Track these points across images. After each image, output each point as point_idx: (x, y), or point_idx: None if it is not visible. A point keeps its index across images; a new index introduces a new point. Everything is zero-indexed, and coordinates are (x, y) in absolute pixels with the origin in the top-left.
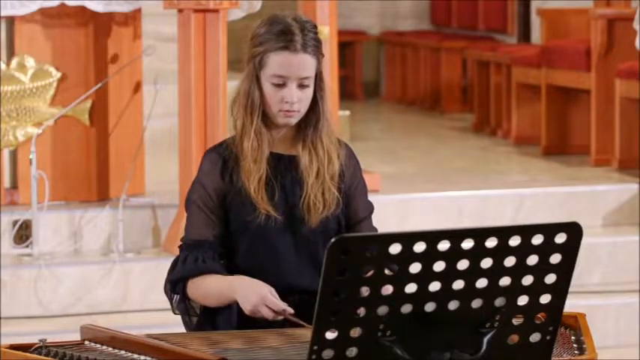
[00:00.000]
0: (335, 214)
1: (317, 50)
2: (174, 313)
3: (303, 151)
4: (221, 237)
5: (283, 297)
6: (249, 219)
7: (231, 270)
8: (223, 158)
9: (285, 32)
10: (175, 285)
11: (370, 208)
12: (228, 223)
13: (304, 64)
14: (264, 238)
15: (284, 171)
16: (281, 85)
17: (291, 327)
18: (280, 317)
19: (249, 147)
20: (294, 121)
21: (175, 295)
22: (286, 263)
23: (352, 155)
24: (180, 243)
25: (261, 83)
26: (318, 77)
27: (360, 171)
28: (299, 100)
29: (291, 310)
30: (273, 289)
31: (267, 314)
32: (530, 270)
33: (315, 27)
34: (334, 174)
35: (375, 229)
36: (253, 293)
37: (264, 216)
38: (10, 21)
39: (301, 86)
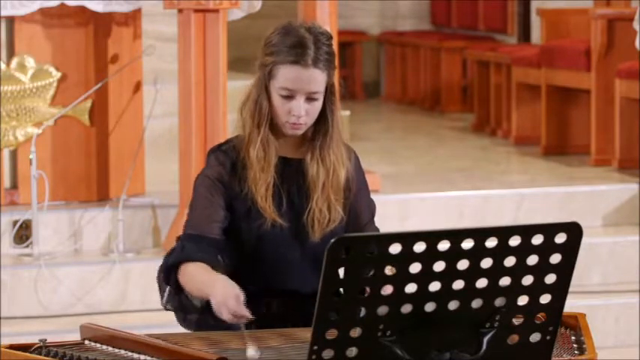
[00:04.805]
0: (340, 226)
1: (329, 64)
2: (165, 308)
3: (311, 161)
4: (223, 233)
5: (286, 302)
6: (256, 225)
7: (234, 272)
8: (231, 160)
9: (298, 45)
10: (169, 272)
11: (373, 210)
12: (239, 232)
13: (313, 79)
14: (269, 244)
15: (291, 177)
16: (289, 98)
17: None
18: (242, 321)
19: (254, 156)
20: (300, 132)
21: (167, 288)
22: (291, 270)
23: (357, 163)
24: (181, 234)
25: (270, 93)
26: (329, 90)
27: (363, 175)
28: (306, 114)
29: (249, 317)
30: (242, 295)
31: (226, 316)
32: (530, 270)
33: (330, 38)
34: (339, 189)
35: (378, 231)
36: (220, 294)
37: (270, 223)
38: (10, 21)
39: (309, 99)
